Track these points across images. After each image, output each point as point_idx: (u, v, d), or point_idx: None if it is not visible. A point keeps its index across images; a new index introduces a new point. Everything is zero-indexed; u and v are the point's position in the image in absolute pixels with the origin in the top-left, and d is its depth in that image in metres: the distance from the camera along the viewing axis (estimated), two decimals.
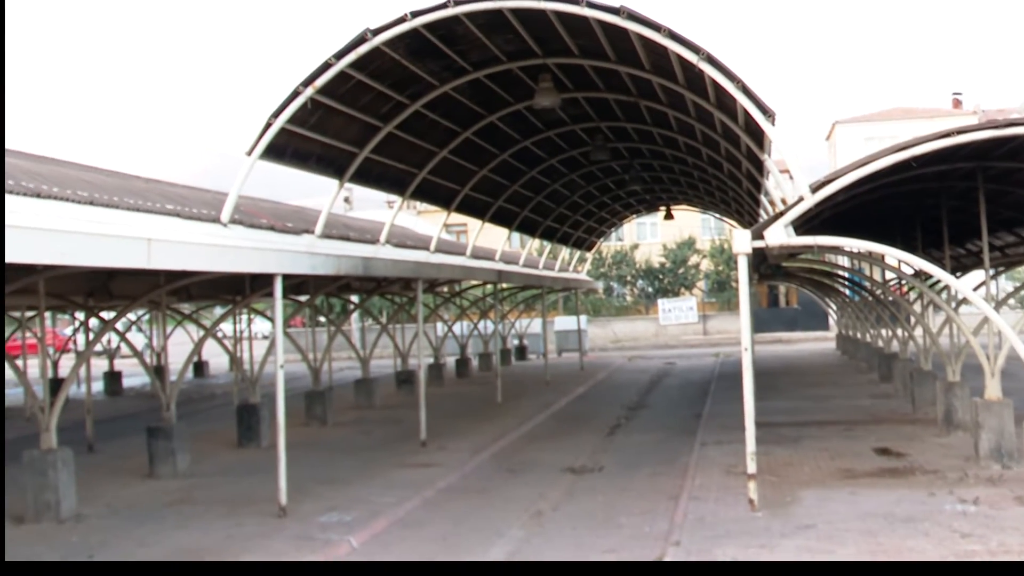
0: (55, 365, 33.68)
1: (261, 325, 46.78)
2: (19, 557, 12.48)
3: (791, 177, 15.80)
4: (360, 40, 16.13)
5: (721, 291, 65.66)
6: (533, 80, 19.51)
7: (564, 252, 47.24)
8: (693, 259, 66.80)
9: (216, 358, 47.91)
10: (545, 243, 43.64)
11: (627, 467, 17.88)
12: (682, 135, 24.49)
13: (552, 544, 12.63)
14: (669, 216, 42.79)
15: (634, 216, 48.42)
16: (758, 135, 16.38)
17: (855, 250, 21.11)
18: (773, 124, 14.22)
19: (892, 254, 15.94)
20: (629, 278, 67.92)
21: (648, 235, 70.68)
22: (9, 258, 9.65)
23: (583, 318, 49.18)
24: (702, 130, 21.91)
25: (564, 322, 52.18)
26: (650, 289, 66.96)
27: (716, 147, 23.05)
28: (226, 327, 31.70)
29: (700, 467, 16.71)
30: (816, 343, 51.69)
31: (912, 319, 25.21)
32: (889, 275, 29.14)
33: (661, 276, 66.57)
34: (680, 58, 14.90)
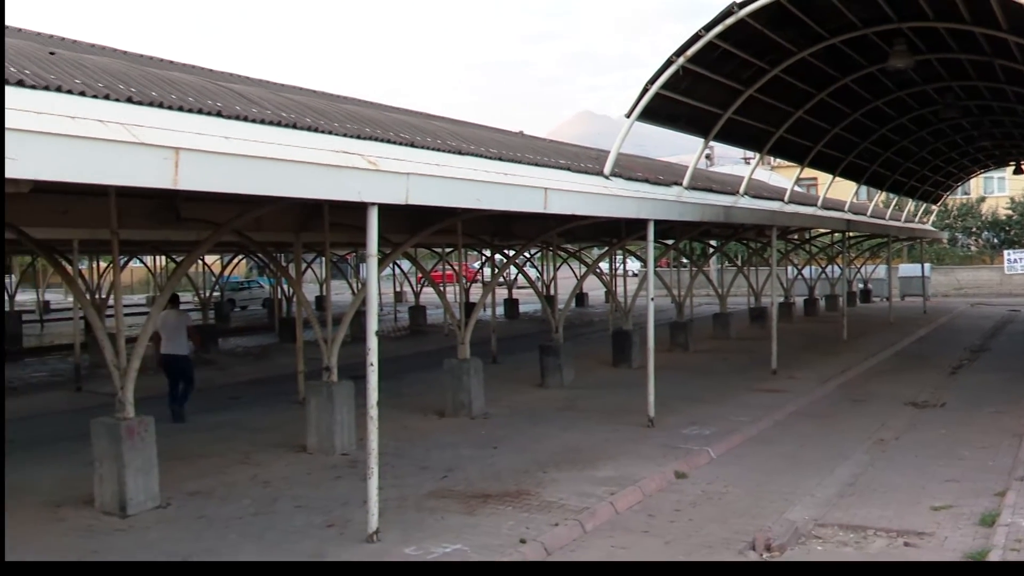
0: (466, 292, 35.87)
1: (632, 264, 47.30)
2: (440, 443, 13.51)
3: None
4: (727, 13, 15.88)
5: None
6: (887, 43, 18.28)
7: (910, 204, 44.22)
8: None
9: (594, 291, 49.16)
10: (891, 196, 41.09)
11: (969, 404, 16.58)
12: None
13: (894, 468, 11.98)
14: (1020, 171, 38.77)
15: (982, 171, 44.50)
16: None
17: None
18: None
19: None
20: (975, 229, 62.33)
21: (995, 189, 64.30)
22: (438, 202, 10.36)
23: (927, 266, 45.90)
24: None
25: (908, 269, 48.88)
26: (995, 240, 61.18)
27: None
28: (603, 265, 32.32)
29: None
30: None
31: None
32: None
33: (1007, 228, 60.52)
34: None
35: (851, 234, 33.90)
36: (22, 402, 18.75)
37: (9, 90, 7.50)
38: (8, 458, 13.35)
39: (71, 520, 9.98)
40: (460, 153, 13.23)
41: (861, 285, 46.04)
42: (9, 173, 6.04)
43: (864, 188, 37.64)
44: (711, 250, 36.39)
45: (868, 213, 36.47)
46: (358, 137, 11.47)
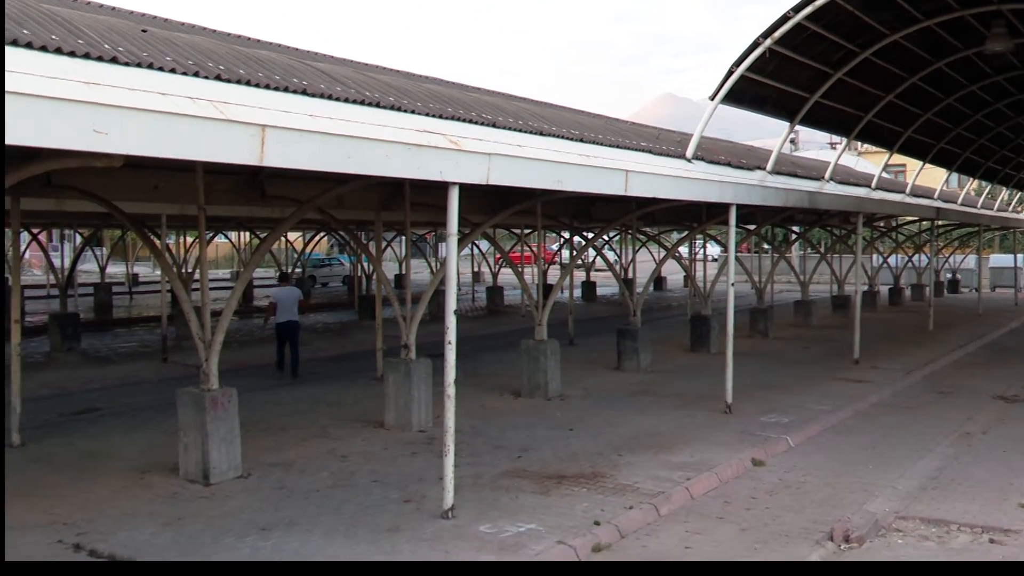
0: (544, 274, 35.91)
1: (712, 249, 46.78)
2: (516, 424, 13.54)
3: None
4: None
5: None
6: (984, 26, 17.67)
7: (1003, 193, 42.79)
8: None
9: (673, 275, 48.71)
10: (984, 183, 39.82)
11: None
12: None
13: (980, 463, 11.63)
14: None
15: None
16: None
17: None
18: None
19: None
20: None
21: None
22: (519, 183, 10.32)
23: (1020, 256, 44.44)
24: None
25: (999, 259, 47.43)
26: None
27: None
28: (683, 249, 32.05)
29: None
30: None
31: None
32: None
33: None
34: None
35: (940, 222, 32.98)
36: (111, 371, 19.36)
37: (103, 66, 7.68)
38: (96, 425, 13.85)
39: (157, 486, 10.26)
40: (541, 134, 13.16)
41: (949, 275, 44.87)
42: (102, 148, 6.19)
43: (955, 175, 36.59)
44: (793, 236, 35.77)
45: (959, 201, 35.40)
46: (440, 117, 11.48)
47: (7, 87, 5.54)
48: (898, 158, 29.23)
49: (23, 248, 29.23)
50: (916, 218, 34.01)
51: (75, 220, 28.71)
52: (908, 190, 29.49)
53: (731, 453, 11.76)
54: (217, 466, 10.40)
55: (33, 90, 5.72)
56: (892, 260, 38.91)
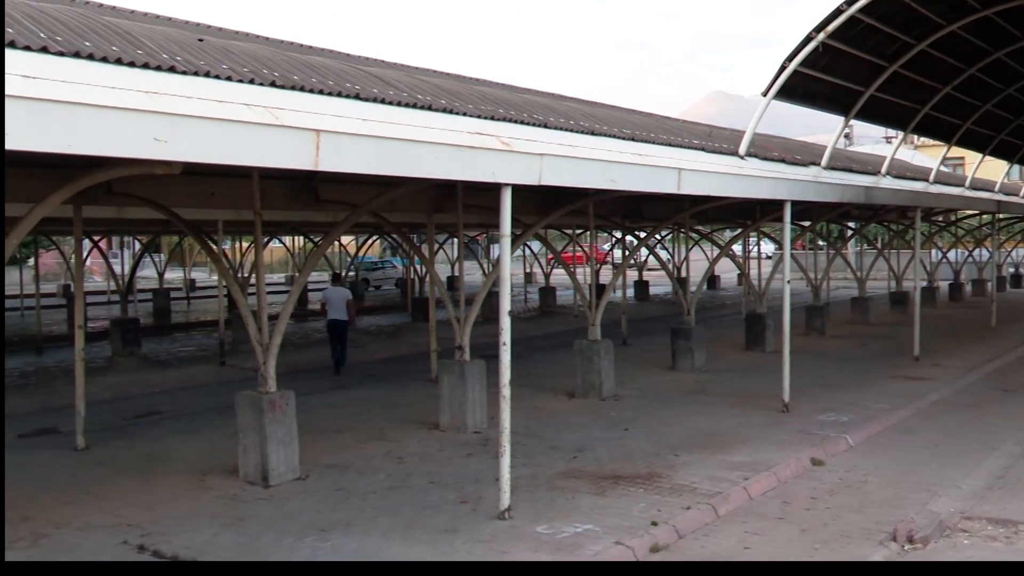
0: (597, 274, 35.80)
1: (766, 246, 46.31)
2: (570, 424, 13.52)
3: None
4: None
5: None
6: None
7: None
8: None
9: (726, 274, 48.28)
10: None
11: None
12: None
13: None
14: None
15: None
16: None
17: None
18: None
19: None
20: None
21: None
22: (571, 183, 10.32)
23: None
24: None
25: None
26: None
27: None
28: (736, 247, 31.78)
29: None
30: None
31: None
32: None
33: None
34: None
35: (1002, 216, 32.35)
36: (170, 375, 19.68)
37: (162, 76, 7.83)
38: (157, 428, 14.09)
39: (217, 488, 10.42)
40: (592, 134, 13.14)
41: (1012, 269, 43.93)
42: (162, 156, 6.30)
43: (1017, 167, 35.82)
44: (849, 232, 35.29)
45: (1021, 194, 34.68)
46: (491, 118, 11.52)
47: (75, 98, 5.70)
48: (956, 151, 28.72)
49: (85, 255, 29.86)
50: (976, 212, 33.37)
51: (134, 227, 29.23)
52: (967, 183, 28.96)
53: (789, 453, 11.64)
54: (276, 468, 10.53)
55: (97, 100, 5.85)
56: (952, 255, 38.22)
